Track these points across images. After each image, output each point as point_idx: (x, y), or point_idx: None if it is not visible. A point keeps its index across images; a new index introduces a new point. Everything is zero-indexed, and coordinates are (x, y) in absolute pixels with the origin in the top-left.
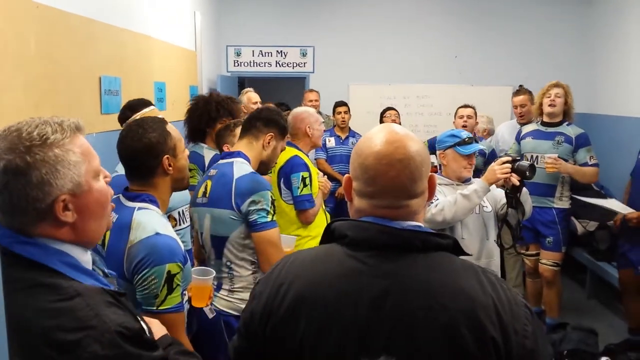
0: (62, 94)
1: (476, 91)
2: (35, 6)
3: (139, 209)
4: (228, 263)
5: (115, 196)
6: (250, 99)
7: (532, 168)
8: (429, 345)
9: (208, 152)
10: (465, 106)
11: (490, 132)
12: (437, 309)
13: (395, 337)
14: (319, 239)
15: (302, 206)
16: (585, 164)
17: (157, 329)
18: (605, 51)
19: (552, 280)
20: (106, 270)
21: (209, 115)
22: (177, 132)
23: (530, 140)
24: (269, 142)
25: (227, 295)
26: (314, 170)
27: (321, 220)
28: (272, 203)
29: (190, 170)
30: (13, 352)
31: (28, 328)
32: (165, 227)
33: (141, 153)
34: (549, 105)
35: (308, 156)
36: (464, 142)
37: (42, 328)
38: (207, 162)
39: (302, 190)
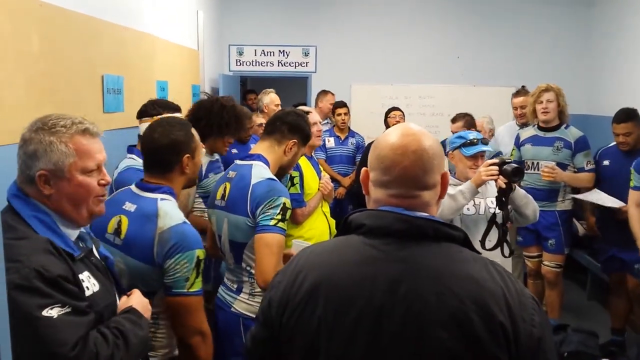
0: (64, 92)
1: (478, 92)
2: (38, 4)
3: (162, 199)
4: (248, 268)
5: (125, 187)
6: (273, 100)
7: (517, 171)
8: (440, 330)
9: (204, 158)
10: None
11: (492, 132)
12: (447, 294)
13: (408, 321)
14: (315, 240)
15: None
16: (582, 169)
17: (134, 302)
18: (606, 53)
19: (555, 281)
20: (94, 249)
21: (218, 126)
22: (198, 136)
23: (530, 147)
24: (291, 149)
25: (247, 299)
26: (310, 171)
27: (318, 222)
28: (283, 209)
29: None
30: None
31: None
32: (185, 219)
33: (166, 148)
34: (542, 113)
35: (310, 157)
36: (469, 144)
37: None
38: (203, 169)
39: (289, 190)
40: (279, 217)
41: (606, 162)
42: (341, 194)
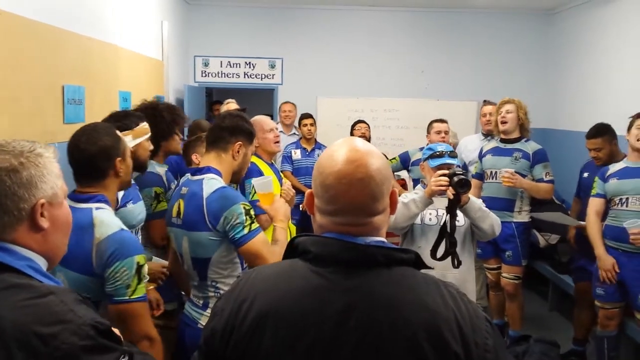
0: (23, 102)
1: (441, 106)
2: None
3: (97, 208)
4: (214, 283)
5: None
6: (231, 109)
7: (463, 182)
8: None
9: (161, 169)
10: (441, 120)
11: (455, 146)
12: (400, 323)
13: (360, 352)
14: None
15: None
16: (540, 180)
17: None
18: (565, 68)
19: (514, 293)
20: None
21: (166, 126)
22: (123, 137)
23: (490, 157)
24: (238, 151)
25: None
26: (273, 179)
27: None
28: (246, 213)
29: (158, 194)
30: None
31: (2, 327)
32: (124, 226)
33: (97, 155)
34: (501, 123)
35: (272, 165)
36: (436, 155)
37: (18, 324)
38: (165, 181)
39: (253, 196)
40: (249, 221)
41: (585, 174)
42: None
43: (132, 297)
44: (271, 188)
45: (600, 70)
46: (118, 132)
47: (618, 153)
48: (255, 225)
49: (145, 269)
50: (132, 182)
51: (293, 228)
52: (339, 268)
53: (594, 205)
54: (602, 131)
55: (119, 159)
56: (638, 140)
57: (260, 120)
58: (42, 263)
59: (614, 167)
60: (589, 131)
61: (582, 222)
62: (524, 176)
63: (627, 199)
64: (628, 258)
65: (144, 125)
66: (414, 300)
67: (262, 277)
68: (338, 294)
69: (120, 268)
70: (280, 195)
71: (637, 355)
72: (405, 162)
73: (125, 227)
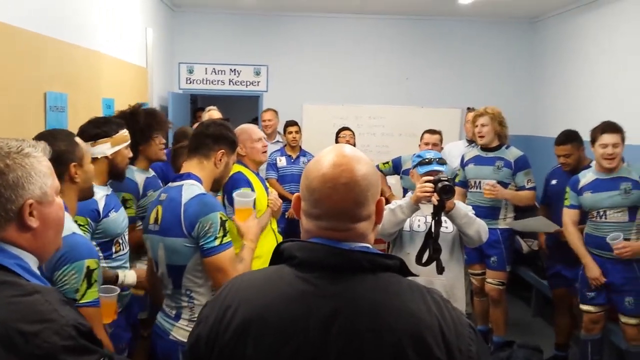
0: (5, 109)
1: (425, 113)
2: None
3: None
4: (188, 292)
5: None
6: (211, 117)
7: (446, 189)
8: None
9: (140, 176)
10: (432, 132)
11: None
12: (384, 330)
13: (345, 358)
14: (264, 259)
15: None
16: (522, 187)
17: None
18: (548, 76)
19: (498, 299)
20: None
21: (140, 131)
22: (84, 144)
23: (473, 167)
24: (220, 160)
25: (187, 325)
26: (260, 188)
27: (267, 241)
28: (222, 225)
29: (126, 200)
30: None
31: None
32: (79, 230)
33: (50, 160)
34: (478, 137)
35: (257, 174)
36: (425, 162)
37: (2, 321)
38: (141, 188)
39: None
40: (221, 233)
41: (554, 182)
42: (293, 214)
43: (80, 301)
44: (251, 206)
45: (582, 77)
46: (77, 139)
47: (584, 159)
48: (227, 239)
49: (97, 273)
50: (111, 190)
51: (279, 237)
52: (325, 273)
53: (570, 216)
54: (571, 137)
55: (73, 164)
56: (605, 159)
57: (249, 129)
58: (32, 262)
59: (584, 178)
60: (557, 137)
61: (556, 227)
62: (507, 184)
63: (604, 211)
64: (612, 264)
65: (124, 132)
66: (398, 307)
67: (247, 283)
68: (322, 299)
69: (68, 271)
70: (268, 205)
71: None
72: (397, 167)
73: (79, 232)
